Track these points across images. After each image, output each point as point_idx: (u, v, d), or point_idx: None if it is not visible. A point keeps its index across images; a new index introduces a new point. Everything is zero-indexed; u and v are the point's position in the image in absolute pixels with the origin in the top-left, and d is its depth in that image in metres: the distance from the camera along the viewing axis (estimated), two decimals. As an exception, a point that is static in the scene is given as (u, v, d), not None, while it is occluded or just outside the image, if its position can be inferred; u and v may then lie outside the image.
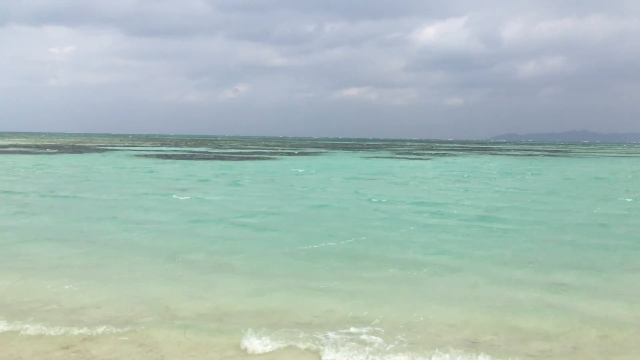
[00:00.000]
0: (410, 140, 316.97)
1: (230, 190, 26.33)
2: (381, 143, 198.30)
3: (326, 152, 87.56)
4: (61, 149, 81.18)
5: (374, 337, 7.43)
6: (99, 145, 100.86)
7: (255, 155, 69.83)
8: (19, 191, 23.83)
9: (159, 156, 63.05)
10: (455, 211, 19.73)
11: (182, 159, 58.19)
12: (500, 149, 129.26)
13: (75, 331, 7.46)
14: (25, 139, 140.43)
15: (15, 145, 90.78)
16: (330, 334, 7.50)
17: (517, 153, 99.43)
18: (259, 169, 43.23)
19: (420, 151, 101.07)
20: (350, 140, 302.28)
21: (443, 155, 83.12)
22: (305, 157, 69.63)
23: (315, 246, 13.26)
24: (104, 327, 7.62)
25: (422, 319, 8.27)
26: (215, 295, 9.23)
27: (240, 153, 77.31)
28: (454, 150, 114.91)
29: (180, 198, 22.59)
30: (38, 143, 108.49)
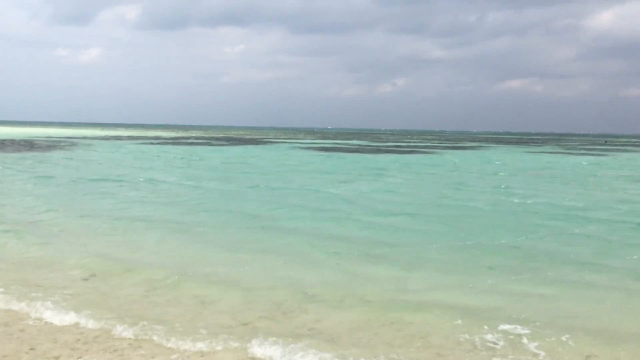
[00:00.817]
0: (580, 134, 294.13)
1: (378, 184, 26.28)
2: (546, 137, 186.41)
3: (485, 147, 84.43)
4: (230, 141, 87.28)
5: (536, 341, 7.16)
6: (264, 138, 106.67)
7: (411, 149, 69.42)
8: (165, 180, 25.99)
9: (318, 149, 65.16)
10: (629, 217, 17.69)
11: (339, 151, 59.61)
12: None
13: (252, 309, 8.10)
14: (198, 132, 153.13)
15: (193, 137, 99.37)
16: (488, 336, 7.35)
17: None
18: (411, 162, 42.94)
19: (591, 146, 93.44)
20: (511, 134, 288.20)
21: (618, 151, 76.07)
22: (461, 151, 67.79)
23: (456, 246, 12.88)
24: (277, 309, 8.20)
25: (596, 326, 7.75)
26: (367, 287, 9.40)
27: (395, 146, 77.30)
28: (633, 145, 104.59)
29: (334, 191, 23.12)
30: (211, 135, 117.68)
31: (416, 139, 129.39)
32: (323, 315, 7.99)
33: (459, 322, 7.76)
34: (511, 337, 7.29)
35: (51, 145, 57.90)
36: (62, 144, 61.86)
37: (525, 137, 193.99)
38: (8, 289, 8.69)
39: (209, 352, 6.64)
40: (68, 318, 7.60)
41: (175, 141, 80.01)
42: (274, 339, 6.90)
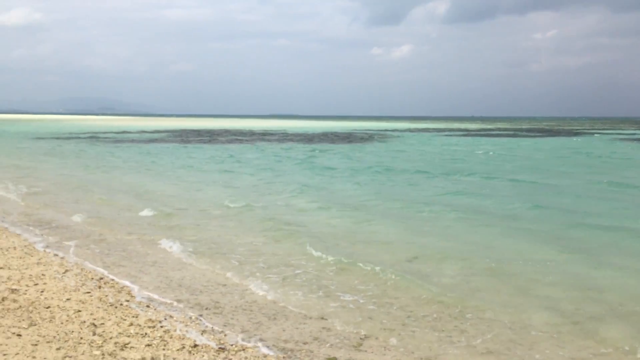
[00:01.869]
0: None
1: None
2: None
3: None
4: (538, 132, 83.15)
5: None
6: (576, 129, 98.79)
7: None
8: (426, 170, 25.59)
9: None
10: None
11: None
12: None
13: (585, 309, 7.62)
14: (504, 123, 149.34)
15: (496, 129, 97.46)
16: None
17: None
18: None
19: None
20: None
21: None
22: None
23: None
24: (610, 310, 7.61)
25: None
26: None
27: None
28: None
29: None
30: (518, 127, 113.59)
31: None
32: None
33: None
34: None
35: (346, 136, 63.31)
36: (359, 135, 66.96)
37: None
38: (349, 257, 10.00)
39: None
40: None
41: (479, 133, 79.45)
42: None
